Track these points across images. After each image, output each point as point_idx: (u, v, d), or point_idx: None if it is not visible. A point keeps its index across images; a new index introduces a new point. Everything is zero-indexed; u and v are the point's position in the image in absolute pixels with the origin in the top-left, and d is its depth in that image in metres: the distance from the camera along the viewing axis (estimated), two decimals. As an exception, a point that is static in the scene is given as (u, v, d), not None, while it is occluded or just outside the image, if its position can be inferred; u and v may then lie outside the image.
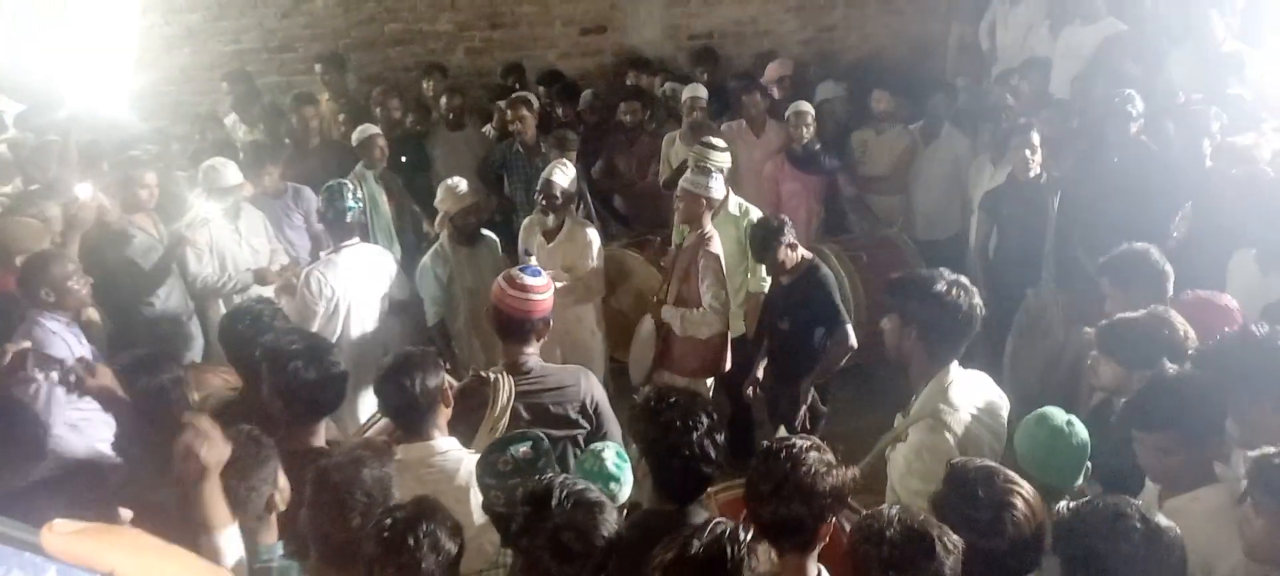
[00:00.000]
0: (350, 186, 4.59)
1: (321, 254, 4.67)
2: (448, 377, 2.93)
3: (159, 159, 5.48)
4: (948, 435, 2.77)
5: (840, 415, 4.85)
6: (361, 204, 4.56)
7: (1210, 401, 2.54)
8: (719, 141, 5.06)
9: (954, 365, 2.90)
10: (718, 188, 4.53)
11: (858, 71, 7.54)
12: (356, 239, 4.56)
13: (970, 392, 2.90)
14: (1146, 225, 4.42)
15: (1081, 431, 2.78)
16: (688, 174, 4.57)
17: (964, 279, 2.89)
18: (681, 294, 4.54)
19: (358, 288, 4.44)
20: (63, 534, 0.82)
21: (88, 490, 2.25)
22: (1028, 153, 4.98)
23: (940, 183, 6.07)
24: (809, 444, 2.27)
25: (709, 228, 4.51)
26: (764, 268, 4.74)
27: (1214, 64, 5.64)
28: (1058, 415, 2.81)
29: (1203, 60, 5.84)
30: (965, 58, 7.81)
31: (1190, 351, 2.88)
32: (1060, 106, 5.59)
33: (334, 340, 4.32)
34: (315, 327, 4.27)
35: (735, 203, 4.96)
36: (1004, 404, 2.99)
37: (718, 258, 4.45)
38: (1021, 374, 4.62)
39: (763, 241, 4.37)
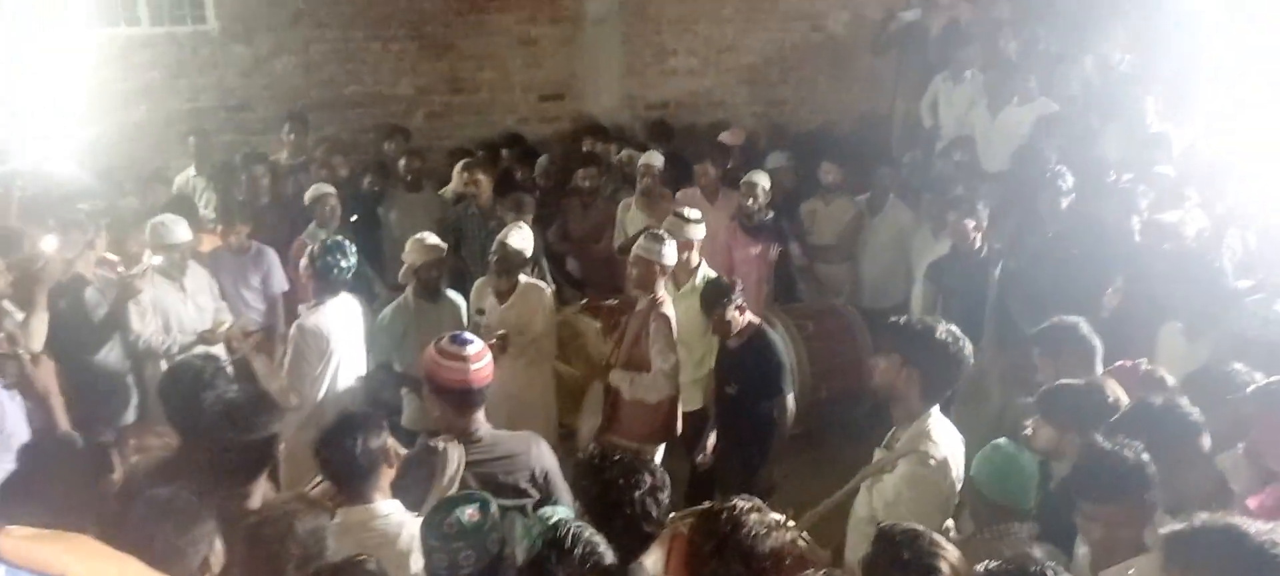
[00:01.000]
0: (351, 245, 4.54)
1: (301, 307, 4.62)
2: (392, 441, 2.88)
3: (106, 213, 5.43)
4: (935, 466, 2.92)
5: (788, 482, 4.87)
6: (352, 268, 4.53)
7: (1147, 472, 2.63)
8: (693, 212, 5.05)
9: (936, 407, 3.06)
10: (670, 254, 4.56)
11: (806, 143, 7.76)
12: (342, 293, 4.54)
13: (947, 433, 3.06)
14: (1079, 295, 4.59)
15: (1030, 457, 2.97)
16: (641, 240, 4.62)
17: (957, 331, 3.06)
18: (631, 357, 4.57)
19: (344, 340, 4.44)
20: (17, 538, 0.83)
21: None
22: (969, 224, 5.15)
23: (886, 252, 6.23)
24: (750, 506, 2.30)
25: (661, 293, 4.56)
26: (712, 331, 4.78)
27: (1142, 143, 5.92)
28: (1008, 444, 3.01)
29: (1132, 138, 6.13)
30: (909, 133, 8.08)
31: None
32: (999, 180, 5.80)
33: (322, 391, 4.38)
34: (311, 376, 4.26)
35: (703, 275, 4.96)
36: (962, 447, 3.14)
37: (669, 321, 4.48)
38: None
39: (712, 300, 4.43)
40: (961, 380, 3.08)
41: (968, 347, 3.04)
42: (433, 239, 4.80)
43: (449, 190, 6.80)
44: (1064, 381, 3.22)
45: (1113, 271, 4.81)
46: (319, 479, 3.07)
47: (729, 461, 4.56)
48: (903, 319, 3.26)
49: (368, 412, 2.88)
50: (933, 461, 2.94)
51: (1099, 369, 3.59)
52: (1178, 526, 2.19)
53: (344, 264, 4.43)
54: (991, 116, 6.93)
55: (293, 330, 4.38)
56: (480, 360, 3.11)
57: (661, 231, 4.71)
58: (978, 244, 5.16)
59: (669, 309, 4.52)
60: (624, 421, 4.59)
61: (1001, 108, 6.88)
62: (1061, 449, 3.01)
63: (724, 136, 7.39)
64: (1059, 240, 5.25)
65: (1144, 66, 6.79)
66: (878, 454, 3.11)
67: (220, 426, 2.77)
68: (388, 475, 2.83)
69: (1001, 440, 3.04)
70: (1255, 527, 2.10)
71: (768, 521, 2.28)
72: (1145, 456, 2.59)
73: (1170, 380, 3.43)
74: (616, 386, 4.57)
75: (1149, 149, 5.79)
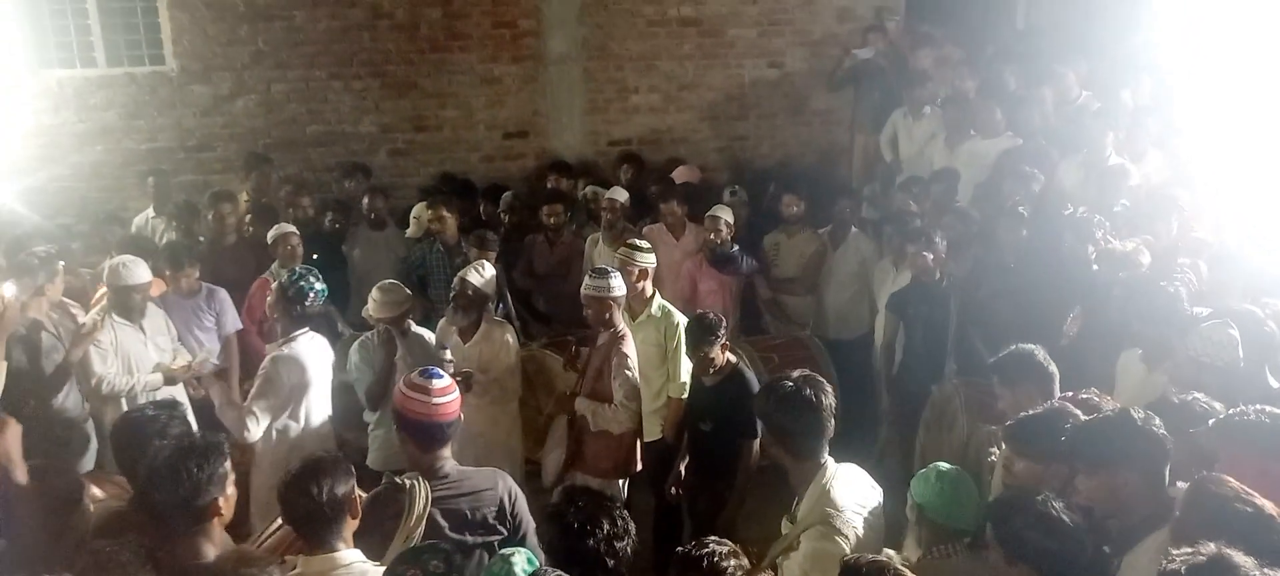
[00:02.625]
0: (316, 282, 4.49)
1: (270, 345, 4.54)
2: (357, 489, 2.81)
3: (58, 256, 5.32)
4: (839, 540, 2.83)
5: (750, 521, 4.85)
6: (323, 294, 4.47)
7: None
8: (643, 243, 5.15)
9: (829, 462, 2.99)
10: (618, 285, 4.58)
11: (767, 177, 7.85)
12: (308, 329, 4.46)
13: (850, 488, 2.98)
14: (1038, 323, 4.67)
15: (969, 478, 3.09)
16: (587, 278, 4.62)
17: (814, 375, 3.05)
18: (595, 389, 4.57)
19: (315, 377, 4.38)
20: None
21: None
22: (927, 256, 5.21)
23: (849, 284, 6.30)
24: (727, 549, 2.31)
25: (621, 326, 4.57)
26: (685, 370, 4.79)
27: (1101, 176, 6.07)
28: (947, 466, 3.09)
29: (1090, 171, 6.29)
30: (868, 166, 8.22)
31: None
32: (960, 213, 5.90)
33: (297, 430, 4.33)
34: (267, 422, 4.18)
35: (658, 305, 5.01)
36: (877, 492, 3.09)
37: (629, 356, 4.50)
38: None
39: (699, 335, 4.39)
40: (830, 427, 2.97)
41: (825, 392, 2.96)
42: (399, 291, 4.73)
43: (411, 232, 6.76)
44: (1029, 413, 3.23)
45: (1071, 301, 4.91)
46: (278, 523, 3.01)
47: (700, 499, 4.55)
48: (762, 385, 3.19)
49: (336, 457, 2.81)
50: (838, 533, 2.84)
51: (1057, 395, 3.64)
52: (1175, 559, 2.19)
53: (316, 286, 4.38)
54: (950, 150, 7.07)
55: (266, 362, 4.29)
56: (446, 395, 3.11)
57: (604, 266, 4.74)
58: (937, 275, 5.23)
59: (629, 345, 4.54)
60: (588, 458, 4.58)
61: (960, 142, 7.03)
62: (1045, 479, 2.99)
63: (677, 172, 7.45)
64: (1019, 270, 5.35)
65: (1104, 102, 6.98)
66: (784, 526, 3.02)
67: (168, 474, 2.66)
68: (352, 525, 2.75)
69: (937, 465, 3.12)
70: (1244, 563, 2.13)
71: (744, 565, 2.29)
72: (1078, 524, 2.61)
73: (1106, 404, 3.45)
74: (581, 414, 4.55)
75: (1108, 180, 5.94)
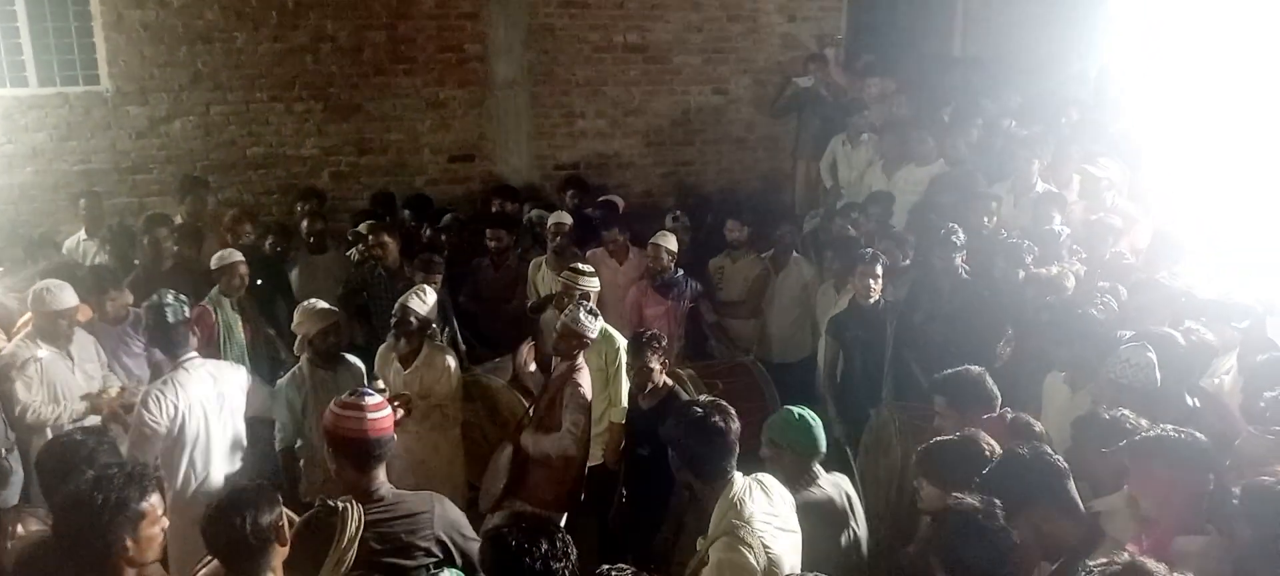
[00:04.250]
0: (168, 295, 4.35)
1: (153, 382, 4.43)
2: (286, 513, 2.76)
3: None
4: (744, 550, 2.87)
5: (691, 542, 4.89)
6: (183, 305, 4.34)
7: (1004, 544, 2.71)
8: (587, 266, 5.21)
9: (736, 476, 3.06)
10: (593, 331, 4.62)
11: (711, 202, 7.95)
12: (194, 353, 4.28)
13: (758, 500, 3.03)
14: (972, 346, 4.80)
15: (812, 415, 3.54)
16: (574, 312, 4.59)
17: (723, 403, 3.14)
18: (545, 421, 4.57)
19: (205, 406, 4.19)
20: None
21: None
22: (871, 281, 5.30)
23: (791, 308, 6.40)
24: (630, 573, 2.38)
25: (580, 361, 4.60)
26: (625, 395, 4.81)
27: (1034, 201, 6.27)
28: (799, 409, 3.56)
29: (1019, 197, 6.50)
30: (809, 192, 8.38)
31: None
32: (896, 237, 6.04)
33: (183, 465, 4.14)
34: (157, 452, 4.03)
35: (598, 328, 5.04)
36: (789, 500, 3.16)
37: (583, 392, 4.52)
38: (870, 491, 4.81)
39: (638, 348, 4.45)
40: (735, 452, 3.06)
41: (732, 420, 3.07)
42: (322, 305, 4.69)
43: (355, 252, 6.70)
44: (939, 439, 3.31)
45: (1003, 324, 5.05)
46: (207, 560, 2.94)
47: (638, 524, 4.56)
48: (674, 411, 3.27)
49: (261, 486, 2.75)
50: (743, 543, 2.88)
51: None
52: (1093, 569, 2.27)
53: (170, 300, 4.23)
54: (887, 176, 7.25)
55: (138, 404, 4.12)
56: (378, 411, 3.07)
57: (593, 307, 4.75)
58: (876, 298, 5.33)
59: (584, 378, 4.55)
60: (530, 487, 4.56)
61: (896, 168, 7.21)
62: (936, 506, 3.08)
63: (608, 198, 7.49)
64: (952, 294, 5.49)
65: (1032, 132, 7.23)
66: (698, 543, 3.06)
67: (78, 506, 2.59)
68: (280, 553, 2.70)
69: (789, 409, 3.59)
70: (1155, 570, 2.21)
71: None
72: (1003, 524, 2.67)
73: (1037, 426, 3.58)
74: (525, 448, 4.54)
75: (1041, 206, 6.14)
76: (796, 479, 3.41)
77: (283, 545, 2.70)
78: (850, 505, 3.58)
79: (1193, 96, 7.39)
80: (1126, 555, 2.27)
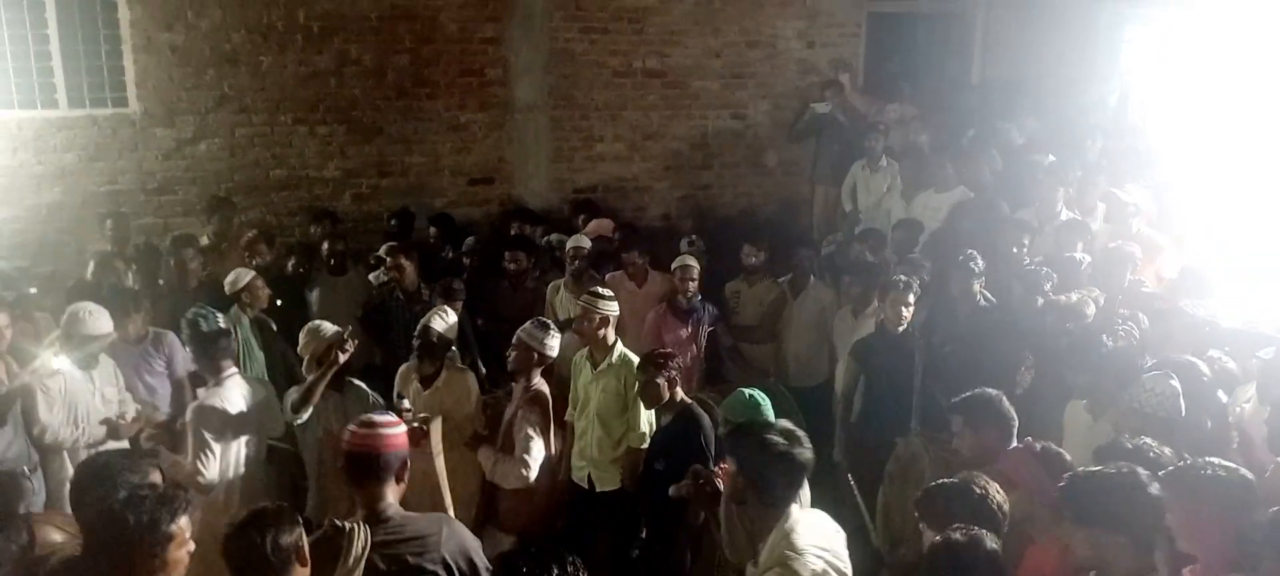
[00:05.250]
0: (210, 310, 4.46)
1: (200, 391, 4.49)
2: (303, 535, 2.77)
3: (14, 301, 5.25)
4: None
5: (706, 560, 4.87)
6: (216, 316, 4.44)
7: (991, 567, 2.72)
8: (606, 291, 5.16)
9: (793, 508, 3.02)
10: (553, 346, 4.57)
11: (729, 227, 7.96)
12: (233, 369, 4.41)
13: (812, 532, 3.01)
14: (991, 373, 4.75)
15: (763, 395, 3.96)
16: (526, 325, 4.58)
17: (796, 430, 3.08)
18: (506, 441, 4.56)
19: (246, 420, 4.32)
20: None
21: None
22: (902, 308, 5.24)
23: (809, 332, 6.37)
24: None
25: (538, 384, 4.55)
26: (644, 420, 4.81)
27: (1057, 229, 6.25)
28: (748, 389, 4.01)
29: (1042, 225, 6.47)
30: (828, 216, 8.39)
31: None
32: (912, 263, 6.02)
33: (229, 478, 4.26)
34: (215, 467, 4.12)
35: (619, 353, 4.99)
36: (841, 536, 3.13)
37: (540, 408, 4.44)
38: (895, 521, 4.75)
39: (646, 364, 4.49)
40: (802, 483, 3.04)
41: (806, 450, 3.02)
42: (327, 328, 4.67)
43: (381, 274, 6.75)
44: (938, 482, 3.27)
45: (1022, 351, 5.02)
46: None
47: (655, 541, 4.55)
48: (741, 425, 3.25)
49: (282, 507, 2.78)
50: (791, 574, 2.88)
51: (1014, 442, 3.74)
52: None
53: (214, 313, 4.38)
54: (906, 202, 7.24)
55: (190, 412, 4.25)
56: (392, 428, 3.10)
57: (547, 320, 4.73)
58: (904, 325, 5.29)
59: (541, 404, 4.47)
60: (502, 514, 4.52)
61: (915, 194, 7.20)
62: None
63: (592, 225, 7.40)
64: (970, 320, 5.47)
65: (1057, 160, 7.22)
66: (749, 571, 3.05)
67: (115, 523, 2.63)
68: (303, 574, 2.71)
69: (743, 392, 4.00)
70: None
71: None
72: (991, 546, 2.68)
73: (1067, 457, 3.54)
74: (481, 463, 4.53)
75: (1063, 234, 6.11)
76: None
77: (303, 565, 2.71)
78: None
79: (1215, 120, 7.36)
80: None
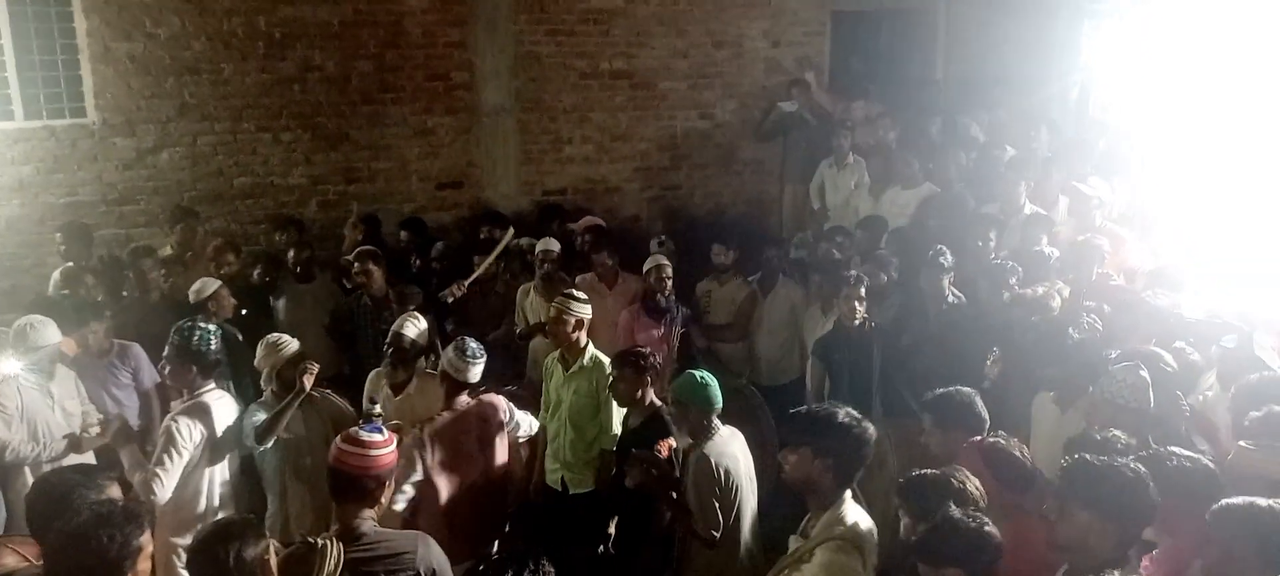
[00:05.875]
0: (202, 323, 4.40)
1: (175, 403, 4.42)
2: (274, 545, 2.77)
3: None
4: (854, 556, 2.94)
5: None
6: (214, 335, 4.38)
7: (990, 542, 2.75)
8: (580, 293, 5.16)
9: (849, 491, 3.11)
10: (475, 374, 4.43)
11: (698, 227, 7.98)
12: (212, 384, 4.35)
13: (860, 515, 3.10)
14: (960, 368, 4.81)
15: (711, 376, 4.07)
16: (450, 356, 4.40)
17: (855, 411, 3.15)
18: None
19: (224, 440, 4.27)
20: None
21: None
22: (856, 303, 5.32)
23: (780, 331, 6.40)
24: None
25: (461, 404, 4.40)
26: (617, 422, 4.81)
27: (1023, 223, 6.33)
28: (698, 371, 4.11)
29: (1006, 220, 6.54)
30: (796, 214, 8.43)
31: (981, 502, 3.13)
32: (878, 259, 6.07)
33: (203, 492, 4.22)
34: (175, 482, 4.06)
35: (590, 355, 5.00)
36: (869, 519, 3.22)
37: (418, 444, 4.26)
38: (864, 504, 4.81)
39: (622, 364, 4.52)
40: (868, 458, 3.13)
41: (869, 428, 3.10)
42: (287, 342, 4.57)
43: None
44: (920, 472, 3.32)
45: (989, 345, 5.07)
46: None
47: (626, 541, 4.55)
48: (806, 409, 3.27)
49: (247, 520, 2.76)
50: (854, 547, 2.96)
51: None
52: None
53: (210, 328, 4.34)
54: (874, 199, 7.29)
55: (168, 421, 4.18)
56: (381, 449, 3.14)
57: (470, 345, 4.43)
58: (860, 320, 5.35)
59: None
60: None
61: (883, 191, 7.26)
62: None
63: (582, 223, 7.45)
64: (939, 317, 5.52)
65: (1018, 154, 7.31)
66: (793, 542, 3.12)
67: (80, 542, 2.60)
68: None
69: (693, 372, 4.11)
70: None
71: None
72: (990, 528, 2.74)
73: (1017, 454, 3.57)
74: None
75: (1028, 229, 6.19)
76: (701, 430, 4.02)
77: None
78: (738, 451, 4.07)
79: (1176, 112, 7.49)
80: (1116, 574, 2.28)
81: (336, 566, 2.87)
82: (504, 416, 4.51)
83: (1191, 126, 7.31)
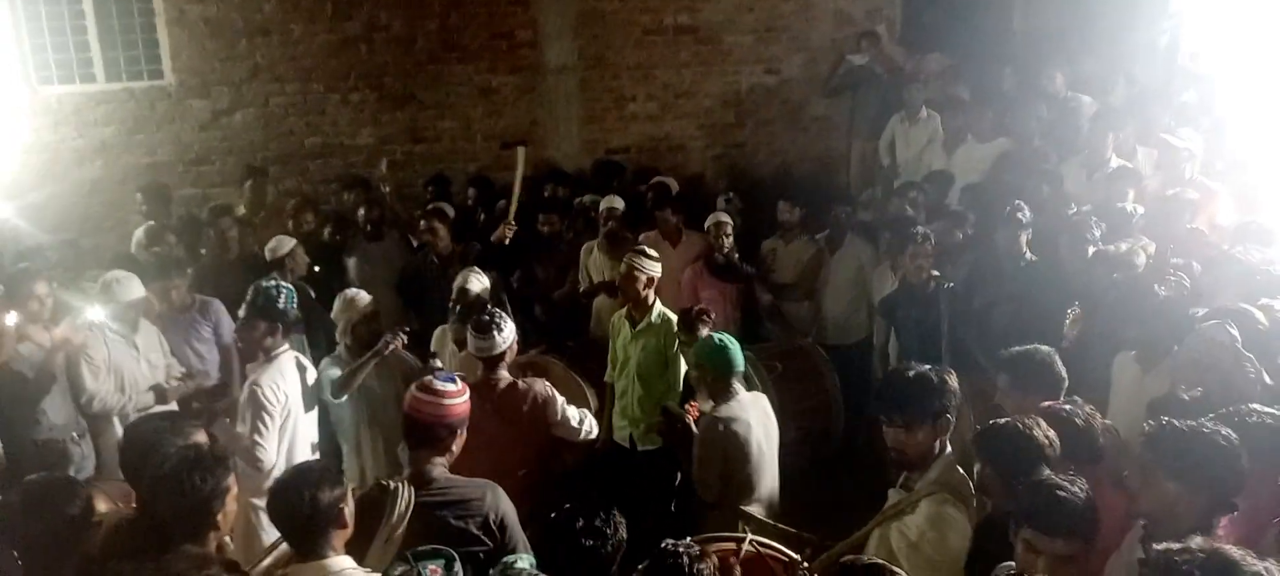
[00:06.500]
0: (282, 282, 4.47)
1: (249, 365, 4.49)
2: (351, 488, 2.83)
3: (60, 268, 5.34)
4: (961, 506, 2.94)
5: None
6: (293, 294, 4.45)
7: (1093, 513, 2.66)
8: (650, 250, 5.12)
9: (949, 449, 3.12)
10: (495, 344, 4.10)
11: (764, 185, 7.86)
12: (287, 344, 4.41)
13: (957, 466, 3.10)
14: (1037, 329, 4.65)
15: (731, 339, 4.02)
16: (468, 338, 4.18)
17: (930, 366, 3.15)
18: None
19: (298, 395, 4.33)
20: None
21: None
22: (923, 261, 5.19)
23: (847, 289, 6.28)
24: (697, 552, 2.43)
25: (499, 374, 4.19)
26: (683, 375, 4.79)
27: (1107, 178, 6.08)
28: (717, 335, 4.06)
29: (1092, 173, 6.30)
30: (865, 171, 8.23)
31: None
32: (954, 216, 5.90)
33: (283, 451, 4.23)
34: (275, 444, 4.12)
35: (658, 312, 4.99)
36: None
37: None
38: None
39: (688, 322, 4.56)
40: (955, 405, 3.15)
41: (951, 378, 3.11)
42: (363, 297, 4.68)
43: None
44: (997, 421, 3.17)
45: (1067, 303, 4.89)
46: (278, 539, 3.02)
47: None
48: (894, 382, 3.24)
49: (326, 465, 2.84)
50: (959, 500, 2.94)
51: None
52: (1170, 547, 2.20)
53: (283, 286, 4.33)
54: (947, 154, 7.08)
55: (247, 388, 4.22)
56: (455, 398, 3.20)
57: (491, 320, 4.17)
58: (926, 278, 5.21)
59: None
60: None
61: (956, 146, 7.04)
62: (993, 489, 3.03)
63: (659, 180, 7.38)
64: (1016, 276, 5.34)
65: (1104, 105, 7.01)
66: (893, 495, 3.11)
67: (172, 485, 2.69)
68: (343, 534, 2.76)
69: (712, 337, 4.05)
70: (1243, 557, 2.13)
71: (711, 566, 2.43)
72: (1091, 495, 2.65)
73: (1080, 420, 3.39)
74: None
75: (1114, 183, 5.94)
76: (720, 393, 3.97)
77: (342, 527, 2.74)
78: (754, 419, 3.97)
79: (1271, 61, 7.08)
80: (1199, 540, 2.17)
81: (407, 508, 2.93)
82: (552, 414, 4.15)
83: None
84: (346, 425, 4.68)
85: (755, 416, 4.00)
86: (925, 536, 2.90)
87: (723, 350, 3.97)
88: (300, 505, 2.66)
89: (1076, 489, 2.65)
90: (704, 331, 4.45)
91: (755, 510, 3.95)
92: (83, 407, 4.58)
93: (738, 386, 4.01)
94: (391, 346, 4.47)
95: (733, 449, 3.88)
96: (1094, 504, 2.65)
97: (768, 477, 4.05)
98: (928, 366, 3.14)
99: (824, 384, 5.64)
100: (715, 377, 3.97)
